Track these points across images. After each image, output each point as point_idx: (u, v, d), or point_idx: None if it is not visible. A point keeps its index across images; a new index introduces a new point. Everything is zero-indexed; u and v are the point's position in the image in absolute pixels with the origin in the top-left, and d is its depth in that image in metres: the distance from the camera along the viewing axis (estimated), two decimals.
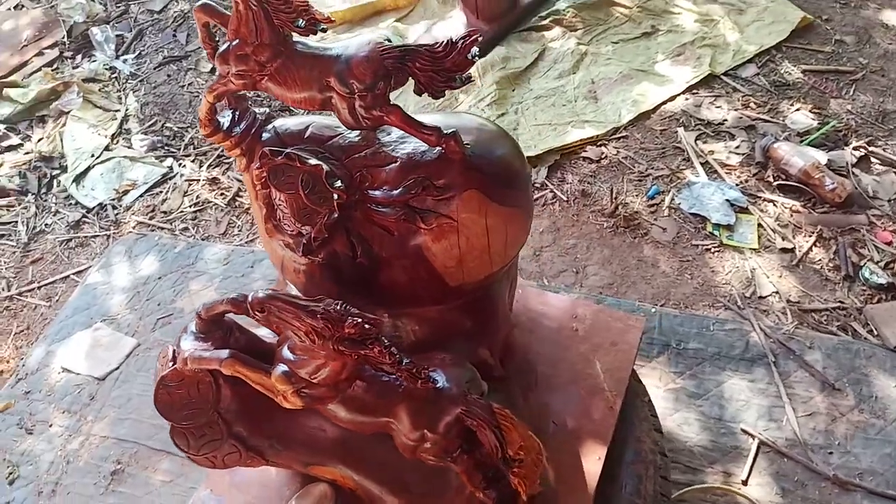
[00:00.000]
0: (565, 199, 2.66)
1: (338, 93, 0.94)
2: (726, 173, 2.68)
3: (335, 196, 0.99)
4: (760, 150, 2.70)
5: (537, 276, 2.42)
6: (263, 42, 0.94)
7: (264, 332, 1.13)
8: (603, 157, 2.80)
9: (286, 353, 0.99)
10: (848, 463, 1.92)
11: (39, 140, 3.24)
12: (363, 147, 1.06)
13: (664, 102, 2.98)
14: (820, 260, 2.41)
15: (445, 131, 0.99)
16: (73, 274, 2.72)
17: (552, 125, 2.91)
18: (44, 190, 3.04)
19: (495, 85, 3.05)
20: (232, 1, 0.95)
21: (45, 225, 2.90)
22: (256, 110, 1.11)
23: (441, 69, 0.95)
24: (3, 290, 2.70)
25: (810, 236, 2.46)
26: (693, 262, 2.43)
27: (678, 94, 3.00)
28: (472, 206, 1.03)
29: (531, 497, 1.19)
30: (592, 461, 1.45)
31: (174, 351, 1.08)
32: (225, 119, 1.09)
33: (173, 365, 1.06)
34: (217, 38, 1.02)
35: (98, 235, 2.84)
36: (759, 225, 2.51)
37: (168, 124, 3.26)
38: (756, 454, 1.95)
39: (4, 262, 2.78)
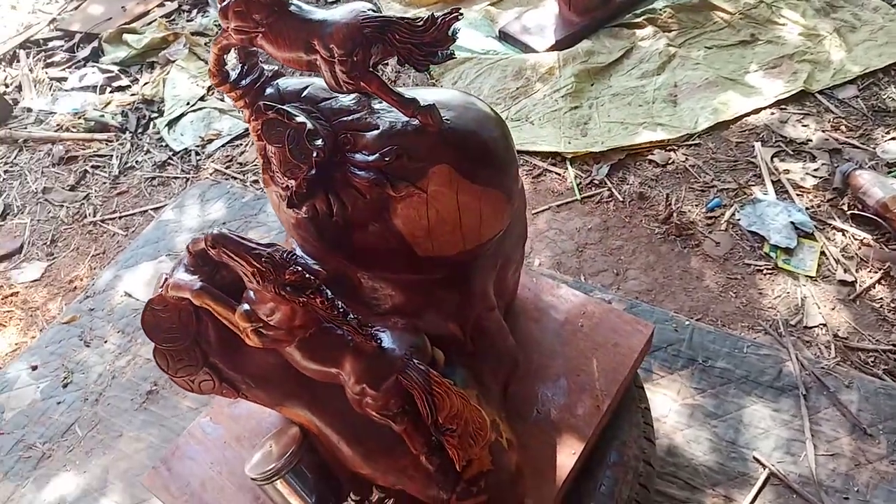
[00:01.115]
0: (621, 199, 2.61)
1: (321, 56, 1.00)
2: (798, 195, 2.55)
3: (314, 153, 1.05)
4: (840, 176, 2.55)
5: (576, 271, 2.40)
6: (259, 0, 1.01)
7: None
8: (670, 161, 2.72)
9: (250, 293, 1.06)
10: None
11: (145, 84, 3.51)
12: (353, 112, 1.11)
13: (747, 114, 2.85)
14: (881, 299, 2.26)
15: (423, 104, 1.03)
16: (152, 209, 2.94)
17: (624, 124, 2.86)
18: (140, 130, 3.30)
19: (573, 77, 3.02)
20: None
21: (136, 162, 3.15)
22: (265, 67, 1.18)
23: (420, 43, 0.98)
24: (89, 215, 2.96)
25: (876, 272, 2.31)
26: (741, 280, 2.34)
27: (764, 108, 2.87)
28: (442, 179, 1.06)
29: (483, 473, 1.22)
30: (567, 455, 1.45)
31: (166, 278, 1.18)
32: (234, 72, 1.17)
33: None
34: None
35: (179, 177, 3.06)
36: (822, 253, 2.38)
37: None
38: (764, 484, 1.88)
39: (95, 191, 3.05)
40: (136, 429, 2.18)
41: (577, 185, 2.69)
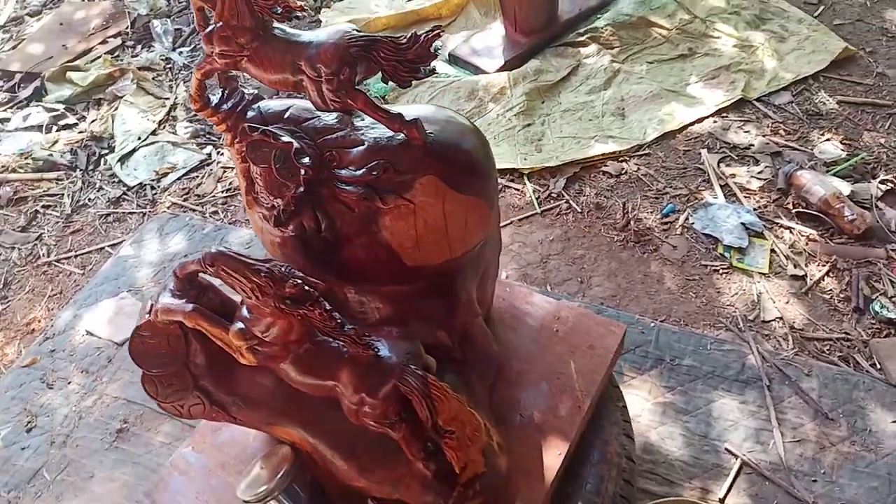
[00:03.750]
0: (579, 210, 2.69)
1: (308, 76, 1.03)
2: (745, 197, 2.68)
3: (302, 171, 1.07)
4: (783, 177, 2.69)
5: (542, 282, 2.46)
6: (243, 25, 1.03)
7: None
8: (623, 172, 2.82)
9: (244, 311, 1.07)
10: (831, 492, 1.90)
11: (93, 121, 3.45)
12: (336, 130, 1.14)
13: (692, 123, 2.98)
14: (831, 290, 2.38)
15: (407, 118, 1.07)
16: (108, 246, 2.89)
17: (576, 138, 2.96)
18: (91, 167, 3.24)
19: (525, 96, 3.11)
20: None
21: (89, 199, 3.09)
22: (245, 90, 1.21)
23: (404, 60, 1.02)
24: (43, 255, 2.88)
25: (824, 266, 2.44)
26: (699, 281, 2.44)
27: (707, 117, 3.01)
28: (429, 190, 1.10)
29: (478, 477, 1.25)
30: (553, 455, 1.49)
31: (152, 304, 1.18)
32: (215, 97, 1.19)
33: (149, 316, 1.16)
34: (210, 22, 1.12)
35: (135, 212, 3.01)
36: (773, 251, 2.50)
37: None
38: (737, 474, 1.95)
39: (48, 231, 2.98)
40: (108, 468, 2.13)
41: (536, 198, 2.76)
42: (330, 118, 1.16)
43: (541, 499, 1.42)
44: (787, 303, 2.35)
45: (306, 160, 1.08)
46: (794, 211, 2.61)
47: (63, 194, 3.11)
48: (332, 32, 1.03)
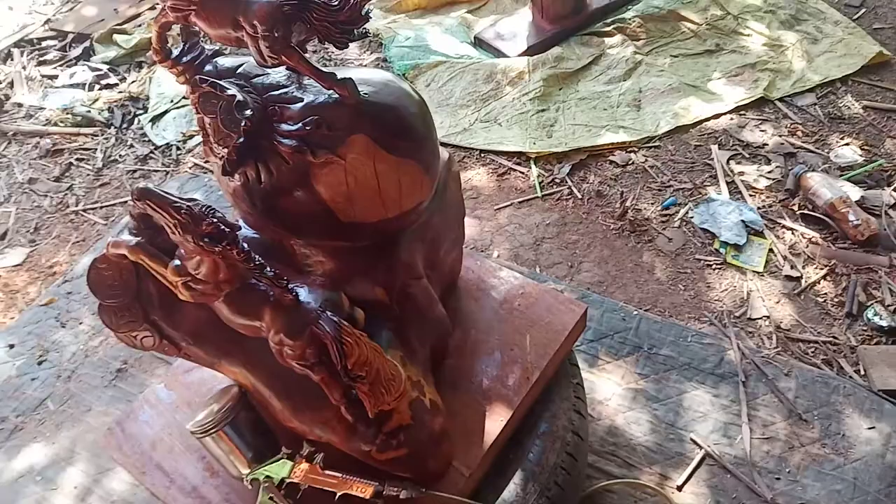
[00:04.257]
0: (580, 196, 2.71)
1: (246, 32, 1.10)
2: (750, 195, 2.65)
3: (243, 123, 1.15)
4: (792, 178, 2.65)
5: (532, 264, 2.50)
6: None
7: None
8: (630, 162, 2.82)
9: (181, 249, 1.15)
10: (793, 491, 1.89)
11: (132, 82, 3.63)
12: (282, 87, 1.21)
13: (707, 119, 2.96)
14: (825, 294, 2.35)
15: (339, 77, 1.13)
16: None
17: (588, 126, 2.96)
18: (125, 125, 3.41)
19: (542, 82, 3.13)
20: None
21: (119, 155, 3.26)
22: (206, 46, 1.29)
23: (336, 21, 1.08)
24: (72, 204, 3.06)
25: (822, 269, 2.41)
26: (690, 274, 2.43)
27: (724, 113, 2.97)
28: (359, 148, 1.16)
29: (403, 428, 1.31)
30: (495, 421, 1.54)
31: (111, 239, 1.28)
32: (177, 49, 1.27)
33: None
34: None
35: (159, 171, 3.16)
36: (771, 250, 2.48)
37: None
38: (699, 464, 1.96)
39: (79, 182, 3.16)
40: (104, 404, 2.27)
41: (539, 183, 2.79)
42: (279, 75, 1.23)
43: (477, 461, 1.48)
44: (778, 302, 2.33)
45: (248, 112, 1.15)
46: (798, 212, 2.57)
47: (96, 149, 3.29)
48: None
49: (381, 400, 1.18)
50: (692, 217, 2.59)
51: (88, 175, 3.18)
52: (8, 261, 2.87)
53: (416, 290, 1.42)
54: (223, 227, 1.05)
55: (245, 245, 1.07)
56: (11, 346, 2.50)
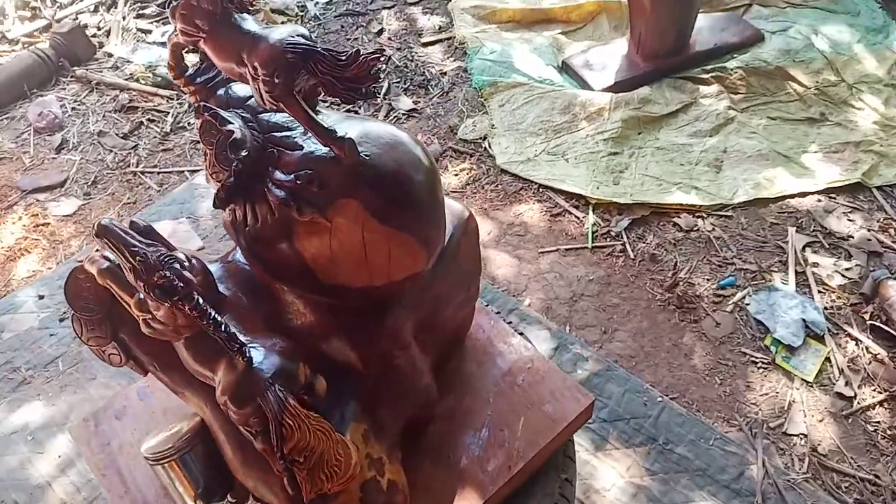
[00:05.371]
0: (633, 256, 2.53)
1: (248, 71, 1.02)
2: (819, 292, 2.41)
3: (235, 163, 1.07)
4: (871, 282, 2.39)
5: (563, 321, 2.35)
6: (201, 6, 1.03)
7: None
8: (695, 228, 2.62)
9: None
10: None
11: None
12: (286, 129, 1.13)
13: (791, 196, 2.71)
14: (878, 422, 2.11)
15: (342, 135, 1.03)
16: (188, 171, 3.06)
17: (659, 180, 2.77)
18: None
19: (621, 122, 2.94)
20: None
21: (188, 123, 3.28)
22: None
23: (342, 77, 0.98)
24: (132, 164, 3.10)
25: (880, 393, 2.16)
26: (731, 368, 2.23)
27: (811, 192, 2.72)
28: (347, 213, 1.06)
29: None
30: None
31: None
32: (192, 69, 1.21)
33: None
34: None
35: None
36: (827, 359, 2.24)
37: None
38: None
39: (143, 143, 3.20)
40: (108, 376, 2.29)
41: (593, 232, 2.62)
42: (285, 115, 1.14)
43: None
44: (821, 421, 2.11)
45: (243, 153, 1.07)
46: (869, 322, 2.31)
47: (168, 112, 3.32)
48: (280, 32, 1.01)
49: (319, 486, 1.09)
50: (748, 304, 2.37)
51: (155, 138, 3.21)
52: (61, 209, 2.93)
53: (401, 361, 1.31)
54: (177, 281, 0.98)
55: (200, 301, 0.99)
56: (41, 297, 2.56)
